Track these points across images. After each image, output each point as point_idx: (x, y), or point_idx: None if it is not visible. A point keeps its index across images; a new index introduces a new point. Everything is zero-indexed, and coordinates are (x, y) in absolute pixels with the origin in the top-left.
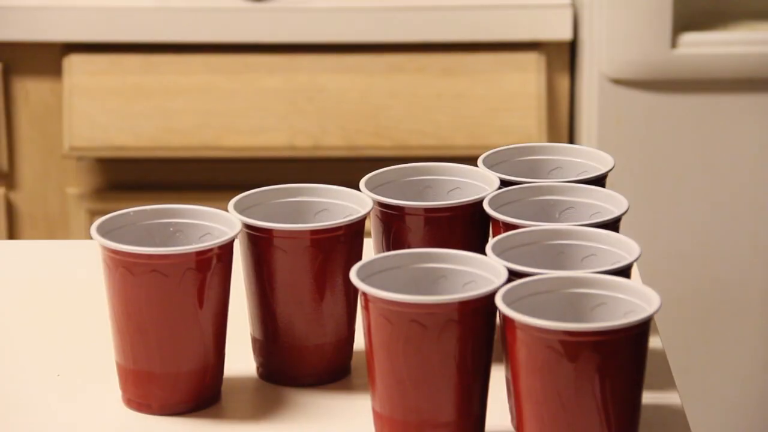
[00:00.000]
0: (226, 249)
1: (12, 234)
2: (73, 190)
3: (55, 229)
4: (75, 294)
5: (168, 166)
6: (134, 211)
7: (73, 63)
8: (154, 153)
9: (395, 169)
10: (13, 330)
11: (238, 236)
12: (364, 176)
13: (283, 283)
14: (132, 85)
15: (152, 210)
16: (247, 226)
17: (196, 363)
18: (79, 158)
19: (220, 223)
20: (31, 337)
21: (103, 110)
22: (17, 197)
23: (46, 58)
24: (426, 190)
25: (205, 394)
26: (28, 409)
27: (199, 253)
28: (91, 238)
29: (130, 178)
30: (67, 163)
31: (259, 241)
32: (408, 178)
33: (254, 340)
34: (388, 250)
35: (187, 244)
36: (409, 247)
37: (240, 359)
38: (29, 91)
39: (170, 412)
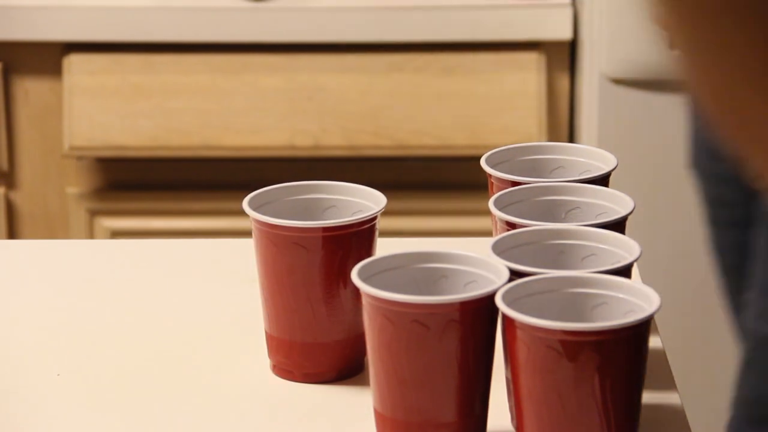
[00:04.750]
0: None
1: (12, 234)
2: (73, 190)
3: (55, 229)
4: (75, 294)
5: (168, 166)
6: (283, 187)
7: (73, 63)
8: (154, 153)
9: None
10: (13, 330)
11: (254, 233)
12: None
13: (297, 280)
14: (132, 85)
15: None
16: (262, 223)
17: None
18: (79, 158)
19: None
20: (31, 337)
21: (103, 110)
22: (17, 197)
23: (46, 58)
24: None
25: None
26: (27, 410)
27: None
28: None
29: (130, 178)
30: (67, 163)
31: (275, 238)
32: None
33: (269, 337)
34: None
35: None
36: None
37: (254, 356)
38: (29, 91)
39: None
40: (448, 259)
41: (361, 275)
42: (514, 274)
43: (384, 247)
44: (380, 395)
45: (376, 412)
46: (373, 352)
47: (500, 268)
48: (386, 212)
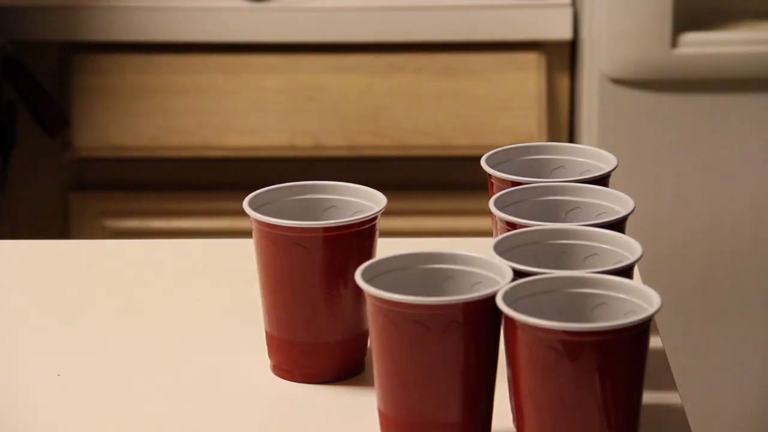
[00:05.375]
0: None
1: (12, 234)
2: (73, 190)
3: (55, 229)
4: (75, 294)
5: (168, 166)
6: (283, 187)
7: (73, 63)
8: (154, 153)
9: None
10: (13, 330)
11: (254, 233)
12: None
13: (297, 280)
14: (132, 85)
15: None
16: (262, 223)
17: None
18: (79, 158)
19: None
20: (31, 337)
21: (103, 110)
22: (17, 197)
23: (46, 58)
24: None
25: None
26: (27, 410)
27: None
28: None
29: (130, 178)
30: (67, 163)
31: (275, 238)
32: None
33: (269, 337)
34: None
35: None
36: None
37: (254, 356)
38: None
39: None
40: (454, 260)
41: (366, 276)
42: (518, 275)
43: (387, 247)
44: (383, 396)
45: (379, 412)
46: (376, 352)
47: (504, 268)
48: (386, 212)
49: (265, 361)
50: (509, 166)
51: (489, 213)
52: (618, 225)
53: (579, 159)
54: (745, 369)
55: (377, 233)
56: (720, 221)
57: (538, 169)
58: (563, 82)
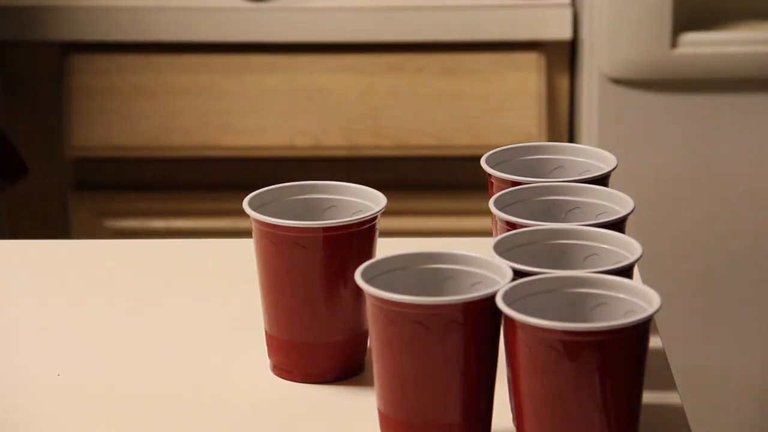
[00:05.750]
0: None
1: (12, 234)
2: (73, 190)
3: (55, 229)
4: (75, 294)
5: (168, 166)
6: (283, 187)
7: (73, 63)
8: (154, 153)
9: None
10: (13, 330)
11: (254, 233)
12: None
13: (297, 280)
14: (132, 85)
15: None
16: (262, 223)
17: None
18: (79, 158)
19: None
20: (31, 337)
21: (103, 110)
22: (17, 197)
23: (46, 58)
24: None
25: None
26: (27, 410)
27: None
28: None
29: (130, 178)
30: (67, 163)
31: (275, 238)
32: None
33: (269, 337)
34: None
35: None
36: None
37: (254, 356)
38: (29, 91)
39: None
40: (454, 260)
41: (366, 276)
42: (517, 275)
43: (387, 247)
44: (383, 396)
45: (379, 412)
46: (377, 352)
47: (504, 269)
48: (386, 212)
49: (265, 361)
50: (509, 166)
51: (489, 213)
52: (618, 225)
53: (579, 159)
54: (745, 369)
55: (377, 233)
56: (720, 221)
57: (538, 169)
58: (563, 82)
